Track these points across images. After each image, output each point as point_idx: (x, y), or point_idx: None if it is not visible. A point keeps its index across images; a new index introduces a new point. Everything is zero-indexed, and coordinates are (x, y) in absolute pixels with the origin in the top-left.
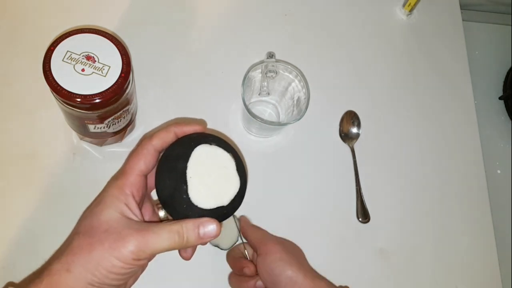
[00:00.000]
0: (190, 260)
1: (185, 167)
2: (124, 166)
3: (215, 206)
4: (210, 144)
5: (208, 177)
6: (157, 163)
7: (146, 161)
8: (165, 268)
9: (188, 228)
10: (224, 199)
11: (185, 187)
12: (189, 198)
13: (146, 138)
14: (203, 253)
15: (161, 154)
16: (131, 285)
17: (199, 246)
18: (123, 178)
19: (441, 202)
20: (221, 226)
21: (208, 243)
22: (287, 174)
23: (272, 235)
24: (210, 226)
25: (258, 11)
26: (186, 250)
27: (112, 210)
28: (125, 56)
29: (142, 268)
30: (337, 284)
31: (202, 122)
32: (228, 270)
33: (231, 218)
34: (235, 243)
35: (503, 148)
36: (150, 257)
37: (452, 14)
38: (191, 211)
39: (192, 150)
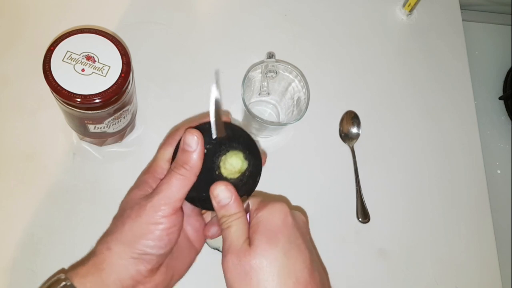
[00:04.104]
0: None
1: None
2: (155, 156)
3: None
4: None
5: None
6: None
7: (173, 148)
8: None
9: (192, 166)
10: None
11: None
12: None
13: (174, 129)
14: (202, 256)
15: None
16: (181, 273)
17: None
18: (154, 164)
19: (441, 202)
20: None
21: (208, 246)
22: (287, 174)
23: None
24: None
25: (258, 11)
26: (210, 229)
27: (137, 191)
28: (125, 56)
29: (178, 236)
30: (336, 284)
31: (227, 113)
32: None
33: None
34: None
35: (503, 148)
36: (172, 207)
37: (452, 14)
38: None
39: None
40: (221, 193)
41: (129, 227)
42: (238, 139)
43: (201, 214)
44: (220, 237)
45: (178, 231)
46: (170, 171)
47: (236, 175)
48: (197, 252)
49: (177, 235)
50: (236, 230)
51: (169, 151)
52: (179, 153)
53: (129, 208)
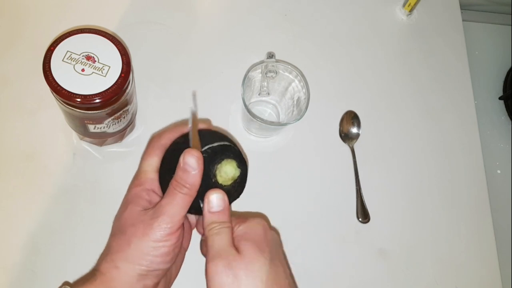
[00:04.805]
0: (188, 264)
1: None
2: (140, 166)
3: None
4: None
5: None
6: (161, 160)
7: (159, 158)
8: None
9: (193, 185)
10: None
11: None
12: None
13: (155, 137)
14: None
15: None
16: (175, 276)
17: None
18: (141, 177)
19: (441, 202)
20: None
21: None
22: (287, 174)
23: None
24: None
25: (258, 11)
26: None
27: (134, 206)
28: (125, 56)
29: (180, 248)
30: (337, 284)
31: (207, 121)
32: None
33: None
34: None
35: (503, 148)
36: (177, 224)
37: (452, 14)
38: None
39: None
40: (216, 201)
41: (135, 245)
42: (228, 147)
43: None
44: None
45: (181, 244)
46: (172, 189)
47: (229, 182)
48: (185, 251)
49: (180, 247)
50: (224, 237)
51: (155, 161)
52: (179, 172)
53: (131, 225)
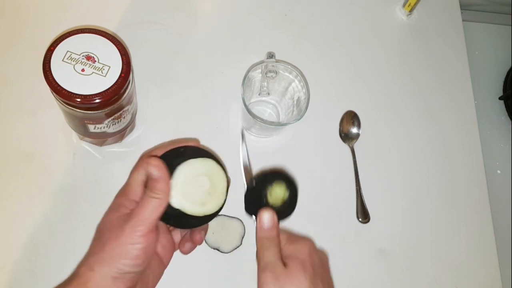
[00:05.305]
0: (190, 263)
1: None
2: (127, 180)
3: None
4: (189, 157)
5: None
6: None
7: (146, 172)
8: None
9: (160, 190)
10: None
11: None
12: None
13: (145, 154)
14: (203, 257)
15: None
16: (154, 284)
17: (199, 249)
18: (126, 189)
19: (441, 202)
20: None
21: (208, 246)
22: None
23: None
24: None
25: (258, 11)
26: (184, 245)
27: (113, 212)
28: (125, 56)
29: (153, 253)
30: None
31: (195, 141)
32: (227, 273)
33: (235, 221)
34: (237, 247)
35: (503, 148)
36: (147, 227)
37: (452, 14)
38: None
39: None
40: (267, 219)
41: (109, 248)
42: (279, 173)
43: (169, 232)
44: (221, 237)
45: (154, 249)
46: (144, 196)
47: (279, 203)
48: (165, 267)
49: (153, 252)
50: (274, 252)
51: (141, 174)
52: (149, 181)
53: (107, 230)
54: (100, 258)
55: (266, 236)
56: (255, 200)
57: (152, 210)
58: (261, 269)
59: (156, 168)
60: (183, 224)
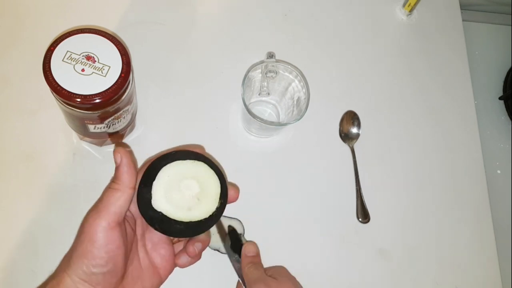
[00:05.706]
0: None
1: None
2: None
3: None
4: (176, 159)
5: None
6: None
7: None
8: None
9: (118, 179)
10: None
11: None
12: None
13: (147, 161)
14: (203, 257)
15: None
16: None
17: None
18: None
19: (441, 202)
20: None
21: (208, 247)
22: (287, 174)
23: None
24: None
25: (258, 11)
26: (180, 257)
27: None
28: (125, 56)
29: (126, 255)
30: (337, 284)
31: (199, 147)
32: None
33: (235, 222)
34: None
35: (503, 148)
36: (108, 222)
37: (452, 14)
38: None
39: (160, 169)
40: (252, 248)
41: (78, 248)
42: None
43: (171, 243)
44: (221, 238)
45: (119, 249)
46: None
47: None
48: (161, 280)
49: (120, 253)
50: (260, 269)
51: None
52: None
53: (80, 231)
54: (70, 259)
55: (251, 261)
56: (233, 247)
57: (110, 202)
58: (252, 282)
59: (118, 154)
60: (169, 230)
